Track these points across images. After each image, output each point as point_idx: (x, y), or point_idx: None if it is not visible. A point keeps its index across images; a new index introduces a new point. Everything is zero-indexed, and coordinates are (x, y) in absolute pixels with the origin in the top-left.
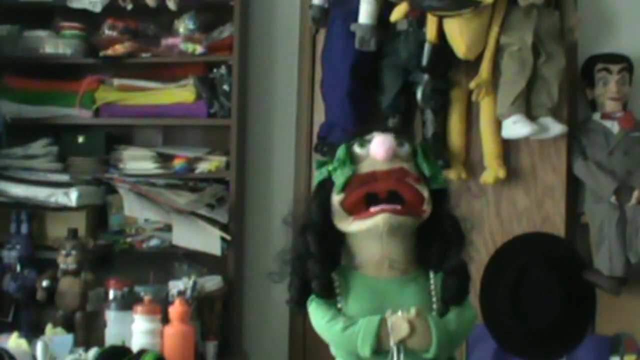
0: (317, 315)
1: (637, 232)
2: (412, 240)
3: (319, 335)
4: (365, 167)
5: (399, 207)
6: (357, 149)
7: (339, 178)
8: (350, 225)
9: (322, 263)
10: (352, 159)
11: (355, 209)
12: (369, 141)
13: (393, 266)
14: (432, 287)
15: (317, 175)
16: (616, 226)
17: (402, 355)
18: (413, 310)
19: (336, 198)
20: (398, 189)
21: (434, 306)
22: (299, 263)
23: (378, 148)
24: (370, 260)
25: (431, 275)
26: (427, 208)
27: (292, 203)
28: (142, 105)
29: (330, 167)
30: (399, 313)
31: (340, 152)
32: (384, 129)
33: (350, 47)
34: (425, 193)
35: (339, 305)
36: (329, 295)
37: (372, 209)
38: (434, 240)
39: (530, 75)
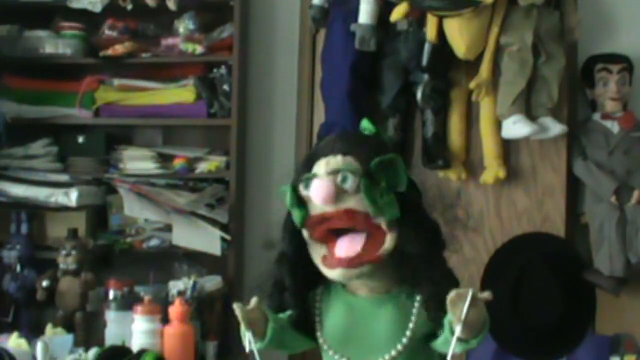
0: None
1: (637, 232)
2: (390, 263)
3: None
4: (314, 209)
5: (358, 248)
6: (302, 190)
7: (295, 217)
8: (319, 266)
9: (296, 296)
10: (301, 200)
11: (325, 239)
12: (311, 179)
13: (373, 289)
14: (416, 305)
15: (286, 202)
16: (616, 226)
17: (253, 343)
18: (486, 294)
19: (304, 231)
20: (353, 225)
21: (410, 325)
22: (275, 290)
23: (316, 196)
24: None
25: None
26: (387, 246)
27: (270, 226)
28: (142, 105)
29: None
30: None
31: (288, 195)
32: (331, 150)
33: (350, 47)
34: (383, 224)
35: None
36: (304, 324)
37: (337, 252)
38: (407, 265)
39: (530, 75)
